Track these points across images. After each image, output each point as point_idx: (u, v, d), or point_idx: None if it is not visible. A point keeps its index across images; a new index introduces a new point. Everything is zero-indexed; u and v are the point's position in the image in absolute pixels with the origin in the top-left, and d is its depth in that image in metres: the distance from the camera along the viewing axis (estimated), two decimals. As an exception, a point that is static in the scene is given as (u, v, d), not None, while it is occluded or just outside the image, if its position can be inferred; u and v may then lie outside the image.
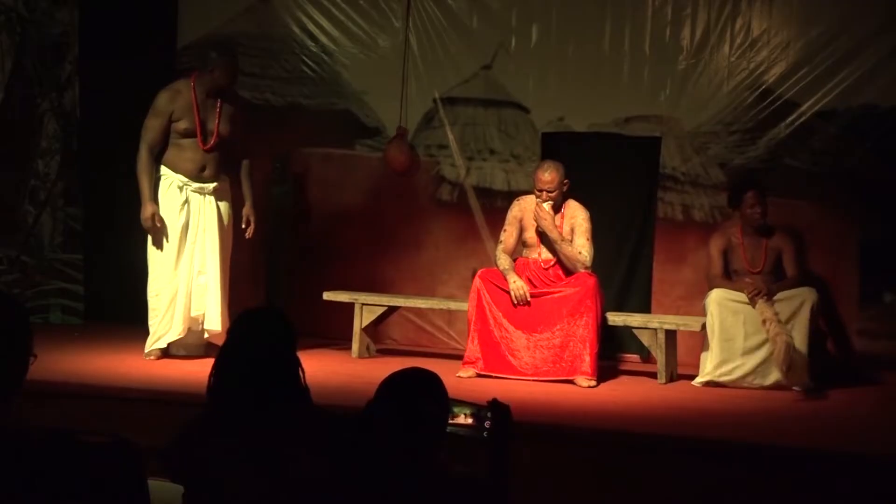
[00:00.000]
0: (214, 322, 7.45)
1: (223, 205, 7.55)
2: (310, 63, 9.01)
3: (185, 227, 7.42)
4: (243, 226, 7.60)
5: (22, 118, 9.07)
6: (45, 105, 9.10)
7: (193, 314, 7.45)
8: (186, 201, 7.42)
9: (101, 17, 9.05)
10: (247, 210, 7.61)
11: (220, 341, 7.03)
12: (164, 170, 7.44)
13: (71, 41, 9.10)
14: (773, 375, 7.28)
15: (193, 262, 7.44)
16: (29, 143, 9.08)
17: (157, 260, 7.44)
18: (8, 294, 3.17)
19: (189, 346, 7.53)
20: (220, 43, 8.17)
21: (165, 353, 7.50)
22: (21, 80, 9.06)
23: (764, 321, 7.25)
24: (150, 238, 7.43)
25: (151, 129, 7.38)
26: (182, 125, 7.37)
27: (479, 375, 7.37)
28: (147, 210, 7.33)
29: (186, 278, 7.42)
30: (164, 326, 7.45)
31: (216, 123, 7.41)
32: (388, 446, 2.98)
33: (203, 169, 7.43)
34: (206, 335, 7.52)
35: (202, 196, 7.45)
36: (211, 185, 7.48)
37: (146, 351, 7.47)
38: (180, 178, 7.42)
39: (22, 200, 9.09)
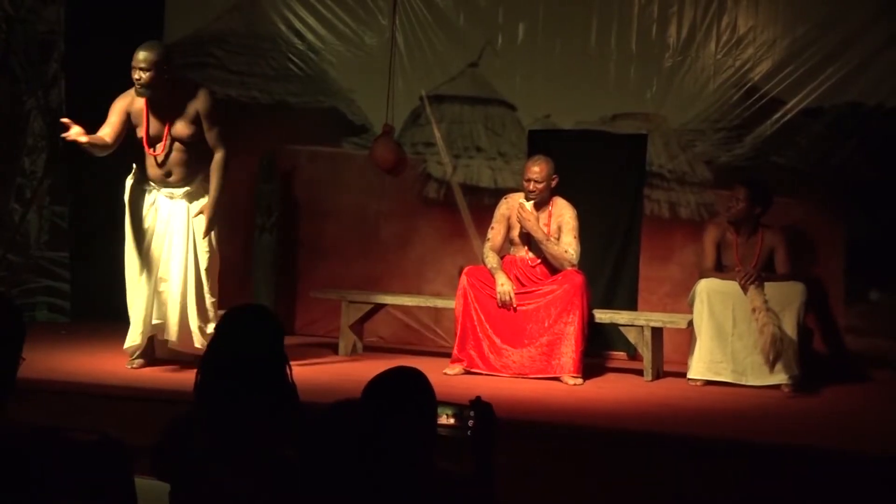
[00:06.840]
0: (172, 333, 7.03)
1: (196, 208, 7.09)
2: (296, 61, 9.01)
3: (152, 231, 7.06)
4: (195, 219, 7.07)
5: (8, 116, 9.05)
6: (32, 103, 9.08)
7: (154, 322, 7.04)
8: (154, 204, 7.08)
9: (88, 15, 9.03)
10: (203, 206, 7.05)
11: (187, 352, 6.90)
12: (137, 173, 7.13)
13: (57, 39, 9.08)
14: (765, 377, 7.28)
15: (158, 268, 7.04)
16: (15, 141, 9.06)
17: (126, 266, 7.11)
18: (4, 295, 3.17)
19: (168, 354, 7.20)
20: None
21: (152, 360, 7.15)
22: (7, 78, 9.03)
23: (753, 309, 7.24)
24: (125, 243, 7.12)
25: (107, 121, 7.03)
26: (139, 133, 7.04)
27: (466, 372, 7.39)
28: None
29: (149, 286, 7.03)
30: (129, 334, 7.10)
31: (166, 129, 6.98)
32: (377, 447, 2.98)
33: (169, 174, 7.06)
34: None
35: (171, 200, 7.08)
36: (181, 190, 7.09)
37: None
38: (150, 183, 7.09)
39: (8, 198, 9.06)
